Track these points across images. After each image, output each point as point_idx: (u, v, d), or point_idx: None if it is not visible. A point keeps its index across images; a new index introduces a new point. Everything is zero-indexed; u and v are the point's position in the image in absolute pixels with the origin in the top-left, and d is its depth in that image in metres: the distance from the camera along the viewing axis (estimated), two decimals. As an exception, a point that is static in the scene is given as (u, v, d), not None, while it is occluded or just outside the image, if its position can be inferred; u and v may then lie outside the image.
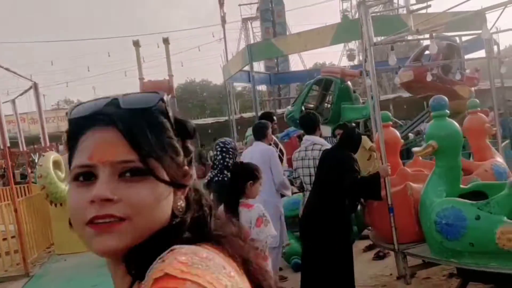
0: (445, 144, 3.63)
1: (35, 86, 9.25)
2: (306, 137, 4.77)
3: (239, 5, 35.33)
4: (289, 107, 10.09)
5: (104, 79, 74.72)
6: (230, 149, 3.53)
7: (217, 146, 4.39)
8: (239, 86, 42.84)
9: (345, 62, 32.90)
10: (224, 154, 3.48)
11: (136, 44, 45.48)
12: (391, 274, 4.93)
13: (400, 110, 21.40)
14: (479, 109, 4.99)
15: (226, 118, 17.36)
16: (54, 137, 26.03)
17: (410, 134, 10.52)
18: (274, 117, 5.68)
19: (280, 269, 5.18)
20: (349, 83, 9.09)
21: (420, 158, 4.84)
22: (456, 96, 7.30)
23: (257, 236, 2.74)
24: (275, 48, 7.92)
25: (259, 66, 39.04)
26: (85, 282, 6.00)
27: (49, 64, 49.93)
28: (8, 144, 6.82)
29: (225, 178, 3.33)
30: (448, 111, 3.74)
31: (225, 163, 3.48)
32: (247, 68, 8.77)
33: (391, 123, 4.76)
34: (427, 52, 9.19)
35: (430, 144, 3.62)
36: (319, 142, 4.60)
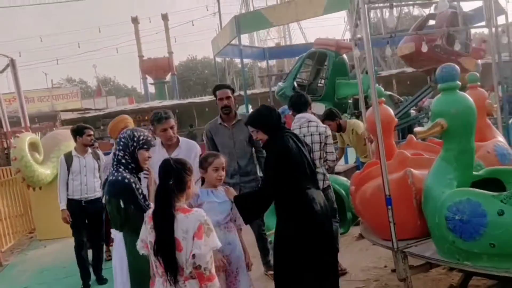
0: (456, 123, 2.98)
1: (12, 63, 8.74)
2: (298, 115, 4.29)
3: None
4: (280, 83, 9.53)
5: (98, 56, 74.06)
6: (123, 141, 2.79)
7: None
8: (239, 63, 42.15)
9: (348, 34, 31.94)
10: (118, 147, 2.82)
11: (135, 20, 44.79)
12: (385, 266, 4.51)
13: (404, 86, 20.77)
14: (479, 83, 4.43)
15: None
16: (49, 117, 25.84)
17: (411, 110, 9.96)
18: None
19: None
20: (344, 56, 8.49)
21: (417, 139, 4.26)
22: (461, 69, 6.67)
23: (199, 251, 2.16)
24: (263, 19, 7.30)
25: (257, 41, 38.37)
26: (58, 272, 5.68)
27: (38, 41, 49.08)
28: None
29: (119, 178, 2.67)
30: (460, 83, 3.08)
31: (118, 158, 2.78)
32: (235, 41, 8.17)
33: (383, 99, 4.18)
34: (431, 22, 8.57)
35: (438, 123, 2.98)
36: (314, 119, 4.28)
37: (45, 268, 6.02)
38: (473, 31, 9.79)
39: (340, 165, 6.80)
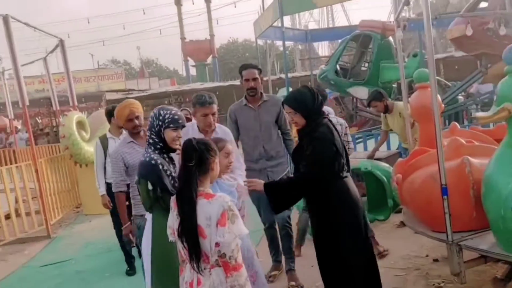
0: None
1: (61, 44, 9.01)
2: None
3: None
4: (323, 67, 9.35)
5: (142, 38, 75.13)
6: (150, 120, 2.73)
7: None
8: (280, 45, 41.84)
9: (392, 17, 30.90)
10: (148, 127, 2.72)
11: (178, 2, 45.24)
12: (427, 256, 4.40)
13: (451, 71, 19.94)
14: None
15: (266, 78, 16.76)
16: (95, 97, 26.69)
17: (459, 96, 9.56)
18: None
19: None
20: (390, 39, 8.19)
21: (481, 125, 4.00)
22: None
23: (222, 239, 2.02)
24: (307, 1, 7.15)
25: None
26: (101, 246, 5.90)
27: (86, 23, 50.19)
28: (27, 103, 6.59)
29: (147, 159, 2.60)
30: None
31: (147, 138, 2.73)
32: (278, 24, 8.05)
33: (429, 83, 3.98)
34: (482, 4, 8.13)
35: (505, 108, 2.79)
36: (332, 112, 4.49)
37: (90, 242, 6.29)
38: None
39: (382, 151, 6.64)
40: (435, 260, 4.25)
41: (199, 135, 3.30)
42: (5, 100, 13.00)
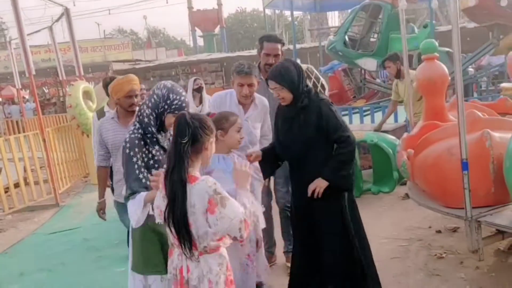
0: None
1: (66, 12, 8.92)
2: None
3: None
4: (331, 37, 9.18)
5: (146, 6, 73.91)
6: (155, 98, 2.48)
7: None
8: (289, 16, 40.98)
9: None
10: (147, 103, 2.50)
11: (184, -29, 42.86)
12: (430, 227, 4.43)
13: (463, 43, 19.50)
14: None
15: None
16: (101, 67, 26.58)
17: (470, 69, 9.39)
18: None
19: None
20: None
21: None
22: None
23: (215, 228, 1.91)
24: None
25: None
26: (108, 216, 5.95)
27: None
28: (34, 73, 6.59)
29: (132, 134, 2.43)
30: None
31: (142, 113, 2.50)
32: (286, -8, 7.89)
33: (437, 55, 3.90)
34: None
35: None
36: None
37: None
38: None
39: (389, 123, 6.60)
40: (438, 232, 4.28)
41: (237, 108, 3.17)
42: (12, 70, 13.01)
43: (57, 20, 10.12)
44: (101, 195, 3.37)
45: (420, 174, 3.64)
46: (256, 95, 3.27)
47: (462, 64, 8.21)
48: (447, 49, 11.06)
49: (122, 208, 2.91)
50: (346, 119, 7.69)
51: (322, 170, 2.80)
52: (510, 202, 3.13)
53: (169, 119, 2.44)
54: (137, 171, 2.37)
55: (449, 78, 3.94)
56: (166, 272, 2.28)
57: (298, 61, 9.85)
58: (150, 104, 2.45)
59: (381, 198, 5.58)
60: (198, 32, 40.11)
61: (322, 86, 9.97)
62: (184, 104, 2.45)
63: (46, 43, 23.35)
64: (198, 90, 5.37)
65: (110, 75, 20.67)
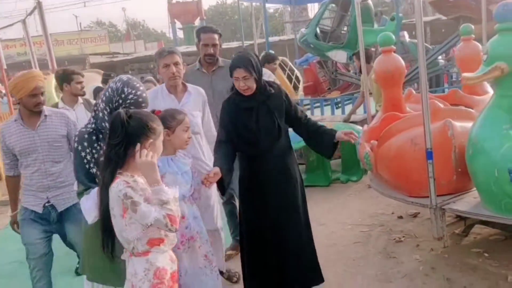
0: None
1: (39, 6, 8.82)
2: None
3: None
4: (303, 30, 9.31)
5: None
6: (109, 92, 2.31)
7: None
8: (270, 7, 41.05)
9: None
10: (102, 97, 2.34)
11: (164, -38, 42.19)
12: (392, 213, 4.63)
13: (439, 35, 19.89)
14: (473, 36, 4.27)
15: (252, 42, 16.61)
16: (78, 60, 26.20)
17: (440, 60, 9.63)
18: None
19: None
20: (369, 2, 8.17)
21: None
22: (490, 17, 6.37)
23: (126, 233, 1.86)
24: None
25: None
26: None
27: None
28: (5, 66, 6.56)
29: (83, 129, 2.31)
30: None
31: (97, 108, 2.36)
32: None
33: (393, 47, 4.02)
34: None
35: (498, 67, 2.71)
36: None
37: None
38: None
39: (358, 114, 6.79)
40: (400, 217, 4.48)
41: (170, 98, 3.07)
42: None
43: (30, 14, 9.99)
44: (13, 207, 3.04)
45: (384, 165, 3.65)
46: (190, 85, 3.21)
47: (430, 56, 8.47)
48: (415, 40, 11.35)
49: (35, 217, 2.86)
50: (318, 110, 7.86)
51: (289, 155, 2.94)
52: (470, 189, 3.26)
53: None
54: (86, 166, 2.26)
55: (405, 70, 4.08)
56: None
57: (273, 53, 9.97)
58: (104, 98, 2.30)
59: (350, 187, 5.76)
60: (178, 24, 39.84)
61: (297, 78, 10.19)
62: (140, 99, 2.28)
63: (22, 37, 22.93)
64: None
65: (87, 68, 20.37)
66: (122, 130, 1.89)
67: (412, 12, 25.06)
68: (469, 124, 3.13)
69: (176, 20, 39.47)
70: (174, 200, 1.86)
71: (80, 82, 3.95)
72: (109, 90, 2.29)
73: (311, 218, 3.12)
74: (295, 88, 9.54)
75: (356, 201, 5.21)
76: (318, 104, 7.76)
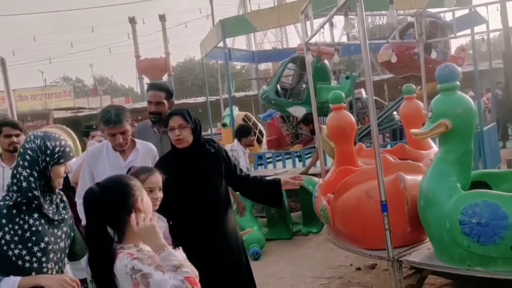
0: (460, 123, 2.88)
1: (1, 62, 8.85)
2: None
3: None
4: (264, 87, 9.71)
5: (94, 55, 74.18)
6: (30, 154, 1.96)
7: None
8: (238, 64, 42.37)
9: (344, 39, 32.05)
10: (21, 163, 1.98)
11: (132, 21, 44.51)
12: (351, 265, 4.69)
13: (395, 91, 20.94)
14: (415, 94, 4.64)
15: (218, 97, 17.00)
16: (42, 115, 25.88)
17: (396, 115, 10.13)
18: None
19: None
20: (326, 61, 8.67)
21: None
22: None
23: None
24: (248, 24, 7.47)
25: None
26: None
27: (32, 40, 49.20)
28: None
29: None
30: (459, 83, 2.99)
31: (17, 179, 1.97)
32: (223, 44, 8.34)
33: (344, 104, 4.26)
34: (411, 31, 8.77)
35: (442, 123, 2.86)
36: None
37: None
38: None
39: (318, 167, 6.98)
40: (358, 269, 4.54)
41: (115, 156, 2.90)
42: None
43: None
44: None
45: (340, 218, 3.64)
46: (139, 141, 3.04)
47: (384, 112, 8.91)
48: (375, 98, 11.96)
49: None
50: (280, 163, 8.04)
51: (230, 217, 2.86)
52: (424, 240, 3.32)
53: (57, 171, 1.99)
54: (4, 247, 1.85)
55: (356, 126, 4.28)
56: None
57: (236, 109, 10.26)
58: (26, 164, 1.93)
59: (311, 239, 5.81)
60: (146, 79, 40.34)
61: (260, 132, 10.39)
62: (67, 149, 2.00)
63: (-15, 92, 22.62)
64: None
65: (51, 123, 20.07)
66: (105, 205, 1.70)
67: (372, 70, 26.40)
68: (419, 177, 3.25)
69: (144, 76, 40.04)
70: (185, 260, 1.68)
71: (9, 136, 3.28)
72: (29, 152, 1.94)
73: (271, 274, 3.14)
74: (259, 142, 9.76)
75: (316, 253, 5.26)
76: (279, 158, 7.95)
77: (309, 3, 4.43)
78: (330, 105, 4.24)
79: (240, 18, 7.64)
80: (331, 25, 4.34)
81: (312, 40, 5.01)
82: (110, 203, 1.69)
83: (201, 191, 2.68)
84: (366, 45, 3.20)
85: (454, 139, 2.92)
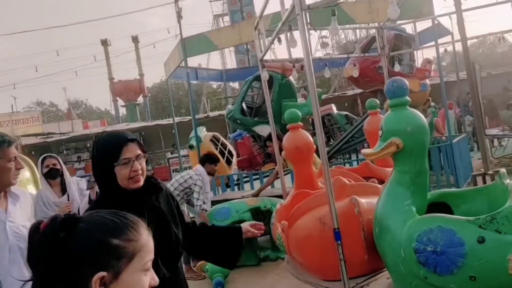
0: (412, 142, 2.64)
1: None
2: None
3: (210, 1, 34.59)
4: (230, 106, 9.50)
5: (66, 78, 73.55)
6: None
7: None
8: (214, 84, 42.27)
9: (319, 53, 32.30)
10: None
11: (105, 43, 44.26)
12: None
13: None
14: (378, 109, 4.47)
15: (190, 118, 16.73)
16: (9, 142, 25.01)
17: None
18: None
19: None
20: (291, 78, 8.52)
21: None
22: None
23: None
24: (209, 42, 7.27)
25: (230, 58, 38.62)
26: None
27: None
28: None
29: None
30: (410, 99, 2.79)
31: None
32: (189, 63, 8.13)
33: (300, 124, 4.03)
34: (375, 45, 8.72)
35: (393, 142, 2.63)
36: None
37: None
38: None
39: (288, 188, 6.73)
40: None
41: None
42: None
43: None
44: None
45: (295, 247, 3.34)
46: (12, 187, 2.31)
47: (352, 129, 8.77)
48: (345, 112, 11.90)
49: None
50: (248, 184, 7.76)
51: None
52: (383, 269, 3.06)
53: None
54: None
55: (314, 146, 3.99)
56: None
57: (204, 129, 9.99)
58: None
59: (279, 264, 5.54)
60: (121, 102, 39.83)
61: (230, 152, 10.09)
62: None
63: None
64: (50, 175, 3.68)
65: (19, 150, 19.52)
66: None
67: (347, 85, 26.63)
68: (375, 200, 2.96)
69: (118, 98, 39.54)
70: None
71: None
72: None
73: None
74: (228, 162, 9.48)
75: (284, 281, 4.99)
76: (247, 179, 7.69)
77: (260, 19, 4.23)
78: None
79: (201, 36, 7.42)
80: (279, 40, 4.14)
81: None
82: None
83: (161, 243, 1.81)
84: (310, 61, 3.05)
85: (407, 159, 2.68)
